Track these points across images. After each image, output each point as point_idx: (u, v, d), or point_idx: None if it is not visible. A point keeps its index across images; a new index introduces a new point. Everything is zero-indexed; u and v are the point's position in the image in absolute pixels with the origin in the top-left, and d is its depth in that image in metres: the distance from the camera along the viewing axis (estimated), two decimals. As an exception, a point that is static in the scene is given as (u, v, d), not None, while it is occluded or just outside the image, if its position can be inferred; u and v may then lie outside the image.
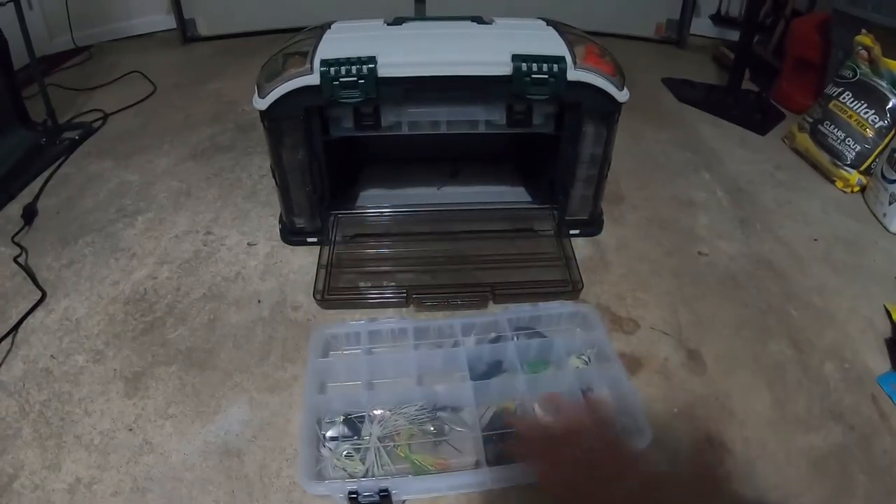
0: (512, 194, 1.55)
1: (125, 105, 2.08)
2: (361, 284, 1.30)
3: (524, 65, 1.15)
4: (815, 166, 1.79)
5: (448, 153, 1.64)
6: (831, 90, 1.76)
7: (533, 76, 1.15)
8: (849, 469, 0.99)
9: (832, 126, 1.73)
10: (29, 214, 1.52)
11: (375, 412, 1.03)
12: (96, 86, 2.23)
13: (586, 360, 1.13)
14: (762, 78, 2.31)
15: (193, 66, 2.46)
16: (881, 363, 1.17)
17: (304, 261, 1.38)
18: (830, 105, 1.74)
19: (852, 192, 1.69)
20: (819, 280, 1.37)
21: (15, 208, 1.55)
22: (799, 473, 0.98)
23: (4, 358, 1.16)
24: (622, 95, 1.22)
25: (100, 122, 1.98)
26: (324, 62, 1.14)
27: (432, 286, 1.29)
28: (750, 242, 1.48)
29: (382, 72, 1.14)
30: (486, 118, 1.29)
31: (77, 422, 1.04)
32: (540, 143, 1.42)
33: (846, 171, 1.68)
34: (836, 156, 1.71)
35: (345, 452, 0.97)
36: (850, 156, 1.67)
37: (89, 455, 0.99)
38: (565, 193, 1.39)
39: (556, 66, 1.15)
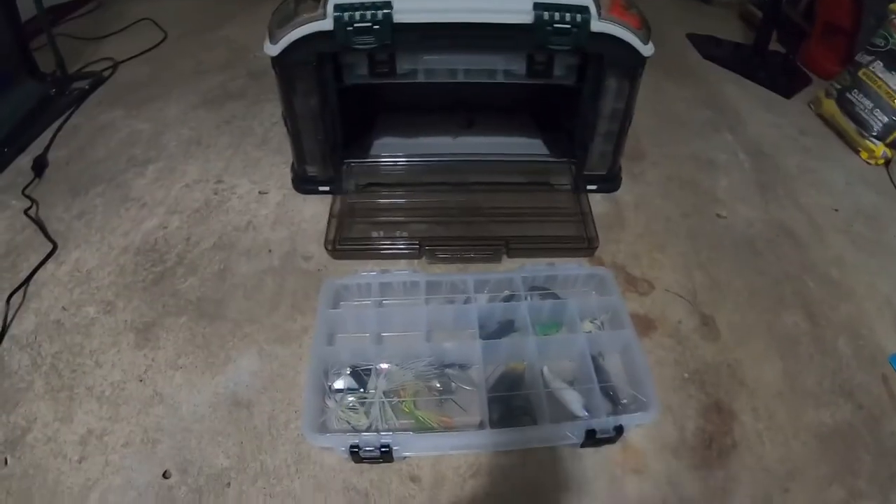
0: (529, 146, 1.50)
1: (135, 53, 2.04)
2: (374, 234, 1.29)
3: (546, 13, 1.10)
4: (841, 134, 1.73)
5: (464, 103, 1.58)
6: (862, 58, 1.69)
7: (555, 25, 1.10)
8: (854, 448, 0.98)
9: (860, 95, 1.66)
10: (39, 167, 1.50)
11: (382, 366, 1.02)
12: (106, 34, 2.18)
13: (599, 324, 1.11)
14: (790, 40, 2.21)
15: (204, 12, 2.40)
16: (895, 342, 1.15)
17: (316, 210, 1.37)
18: (860, 73, 1.67)
19: (877, 164, 1.64)
20: (838, 252, 1.34)
21: (25, 161, 1.53)
22: (805, 448, 0.98)
23: (17, 311, 1.16)
24: (647, 49, 1.17)
25: (110, 70, 1.94)
26: (337, 7, 1.10)
27: (446, 238, 1.28)
28: (769, 208, 1.44)
29: (398, 17, 1.10)
30: (504, 68, 1.25)
31: (88, 373, 1.05)
32: (560, 95, 1.37)
33: (872, 142, 1.63)
34: (863, 126, 1.65)
35: (350, 405, 0.97)
36: (877, 127, 1.62)
37: (100, 407, 1.00)
38: (584, 148, 1.35)
39: (579, 16, 1.10)
